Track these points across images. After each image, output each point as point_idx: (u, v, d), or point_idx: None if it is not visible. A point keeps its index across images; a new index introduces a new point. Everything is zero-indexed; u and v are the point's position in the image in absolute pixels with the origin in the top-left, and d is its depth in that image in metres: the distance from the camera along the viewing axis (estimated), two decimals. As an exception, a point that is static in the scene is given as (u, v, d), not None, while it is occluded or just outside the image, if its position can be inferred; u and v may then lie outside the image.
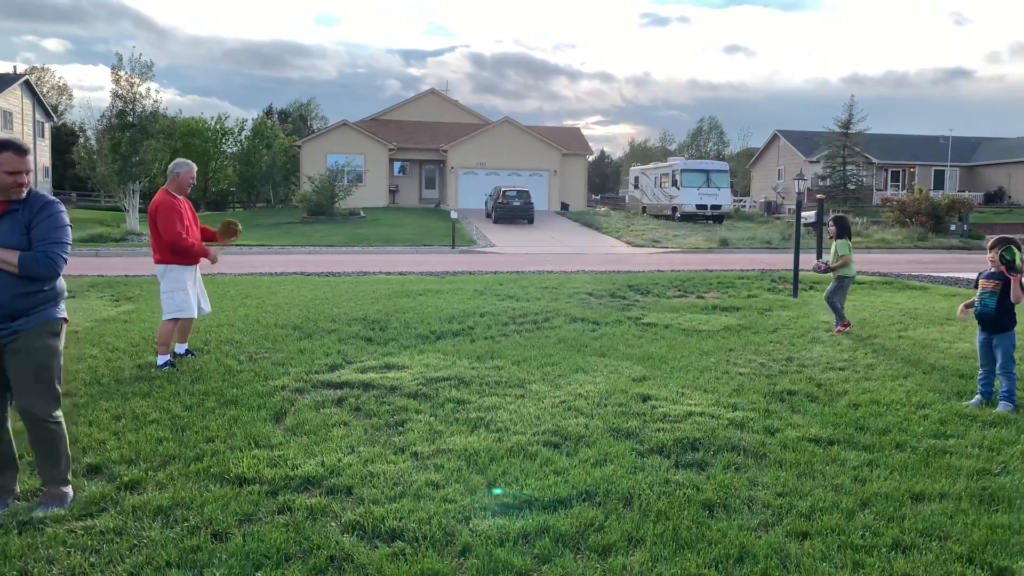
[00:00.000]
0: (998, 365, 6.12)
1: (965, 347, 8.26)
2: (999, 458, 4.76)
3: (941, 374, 6.99)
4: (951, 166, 54.34)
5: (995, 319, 6.16)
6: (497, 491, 4.16)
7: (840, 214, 9.87)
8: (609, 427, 5.28)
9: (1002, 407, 5.85)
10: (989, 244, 6.30)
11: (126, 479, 4.26)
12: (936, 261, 22.31)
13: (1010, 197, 52.23)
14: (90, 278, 14.05)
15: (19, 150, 3.85)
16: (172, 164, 7.22)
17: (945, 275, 16.52)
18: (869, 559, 3.44)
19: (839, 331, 9.13)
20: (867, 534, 3.69)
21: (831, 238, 9.54)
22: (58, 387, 4.03)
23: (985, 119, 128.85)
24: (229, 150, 55.28)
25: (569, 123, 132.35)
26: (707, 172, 39.68)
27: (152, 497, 4.03)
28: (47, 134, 52.41)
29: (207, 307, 7.48)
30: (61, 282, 4.09)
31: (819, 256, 11.84)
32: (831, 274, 9.46)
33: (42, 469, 4.05)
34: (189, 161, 7.33)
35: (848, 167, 49.12)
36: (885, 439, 5.10)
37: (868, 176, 51.37)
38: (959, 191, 48.08)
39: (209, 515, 3.81)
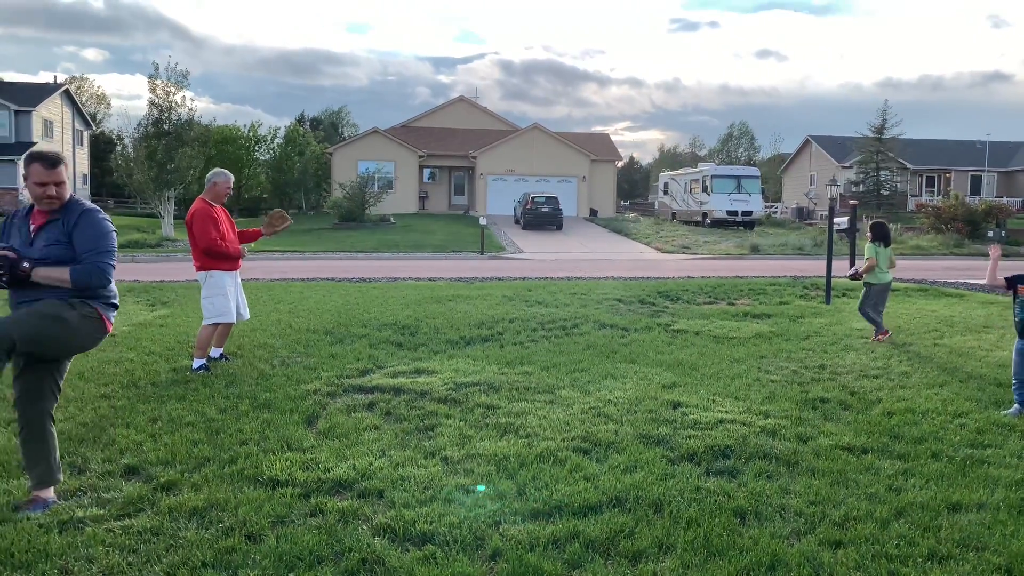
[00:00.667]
0: None
1: (1003, 355, 8.10)
2: (1039, 468, 4.66)
3: (978, 383, 6.87)
4: (988, 171, 53.29)
5: None
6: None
7: (879, 220, 9.71)
8: (639, 434, 5.26)
9: None
10: None
11: (162, 480, 4.34)
12: (973, 268, 21.89)
13: (1050, 203, 51.08)
14: (127, 283, 14.31)
15: (47, 161, 3.87)
16: (210, 174, 7.34)
17: (982, 282, 16.19)
18: (904, 569, 3.39)
19: (879, 340, 8.95)
20: (902, 544, 3.63)
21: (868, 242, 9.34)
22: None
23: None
24: (262, 157, 56.02)
25: (598, 129, 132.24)
26: (738, 178, 39.39)
27: (188, 498, 4.10)
28: (86, 142, 53.58)
29: (246, 314, 7.60)
30: (113, 287, 4.16)
31: (851, 263, 11.68)
32: (870, 278, 9.26)
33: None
34: (226, 171, 7.45)
35: (882, 172, 48.40)
36: (920, 448, 5.02)
37: (902, 182, 50.57)
38: (996, 197, 47.18)
39: (243, 516, 3.87)
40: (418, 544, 3.64)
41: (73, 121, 50.59)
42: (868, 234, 9.39)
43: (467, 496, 4.17)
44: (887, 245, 9.31)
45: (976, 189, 51.42)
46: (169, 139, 29.64)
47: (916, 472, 4.59)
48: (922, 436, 5.27)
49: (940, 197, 43.01)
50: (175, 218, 31.40)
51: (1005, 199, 45.51)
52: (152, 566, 3.40)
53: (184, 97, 30.50)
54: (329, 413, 5.75)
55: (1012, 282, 6.12)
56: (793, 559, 3.46)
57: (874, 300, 9.23)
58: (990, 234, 30.91)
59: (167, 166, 29.08)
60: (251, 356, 7.71)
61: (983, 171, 53.08)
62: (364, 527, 3.80)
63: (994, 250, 6.42)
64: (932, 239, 30.92)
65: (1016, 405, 5.99)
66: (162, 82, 29.85)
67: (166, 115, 30.00)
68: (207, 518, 3.88)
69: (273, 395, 6.18)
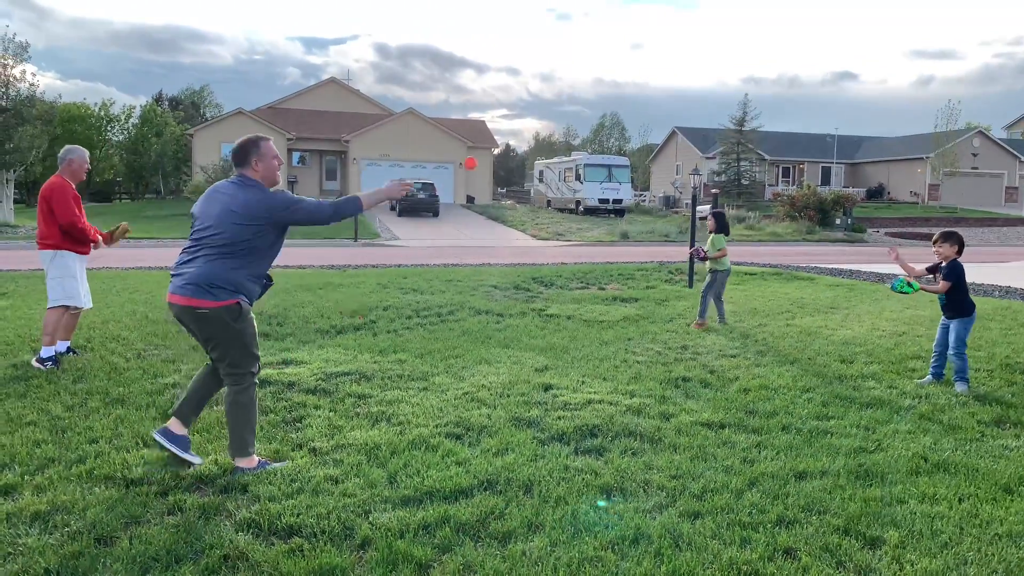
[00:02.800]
0: (951, 347, 6.41)
1: (847, 334, 8.75)
2: (874, 436, 5.07)
3: (825, 359, 7.38)
4: (837, 163, 57.37)
5: (950, 305, 6.48)
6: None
7: (719, 209, 10.14)
8: (511, 417, 5.33)
9: (959, 387, 6.23)
10: (933, 239, 6.63)
11: (-1, 484, 4.01)
12: (822, 253, 23.53)
13: (889, 193, 55.61)
14: (-40, 273, 13.08)
15: None
16: (63, 151, 6.83)
17: (831, 266, 17.44)
18: (755, 535, 3.60)
19: (697, 326, 9.08)
20: (754, 511, 3.86)
21: (709, 232, 9.60)
22: None
23: (870, 119, 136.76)
24: (115, 138, 52.53)
25: (475, 116, 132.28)
26: (609, 167, 40.54)
27: (29, 502, 3.80)
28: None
29: (89, 303, 7.11)
30: None
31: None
32: (706, 266, 9.64)
33: None
34: (81, 148, 6.96)
35: (742, 163, 51.15)
36: (772, 422, 5.35)
37: (761, 172, 53.62)
38: (844, 187, 50.91)
39: (93, 519, 3.62)
40: (284, 537, 3.53)
41: None
42: (712, 223, 9.56)
43: (372, 489, 4.08)
44: (728, 234, 9.71)
45: (826, 179, 55.24)
46: (7, 116, 27.24)
47: (768, 444, 4.88)
48: (774, 410, 5.62)
49: (794, 187, 45.90)
50: (15, 202, 28.97)
51: (851, 189, 49.16)
52: (-14, 577, 3.13)
53: (24, 71, 28.11)
54: (190, 407, 5.47)
55: (932, 270, 6.64)
56: (655, 531, 3.61)
57: (719, 287, 9.61)
58: (838, 221, 33.26)
59: (5, 145, 26.73)
60: (103, 349, 7.23)
61: (832, 163, 57.07)
62: (226, 523, 3.64)
63: (892, 253, 6.81)
64: (787, 226, 32.95)
65: (929, 375, 6.54)
66: (-2, 54, 27.38)
67: (3, 90, 27.54)
68: (51, 522, 3.61)
69: (127, 390, 5.82)
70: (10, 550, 3.35)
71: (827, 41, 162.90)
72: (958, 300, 6.47)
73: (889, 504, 3.97)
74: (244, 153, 4.33)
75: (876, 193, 55.46)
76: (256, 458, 4.36)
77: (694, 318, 9.64)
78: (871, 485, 4.23)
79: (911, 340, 8.25)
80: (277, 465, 4.34)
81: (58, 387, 5.86)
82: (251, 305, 4.29)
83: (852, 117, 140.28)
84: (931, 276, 6.70)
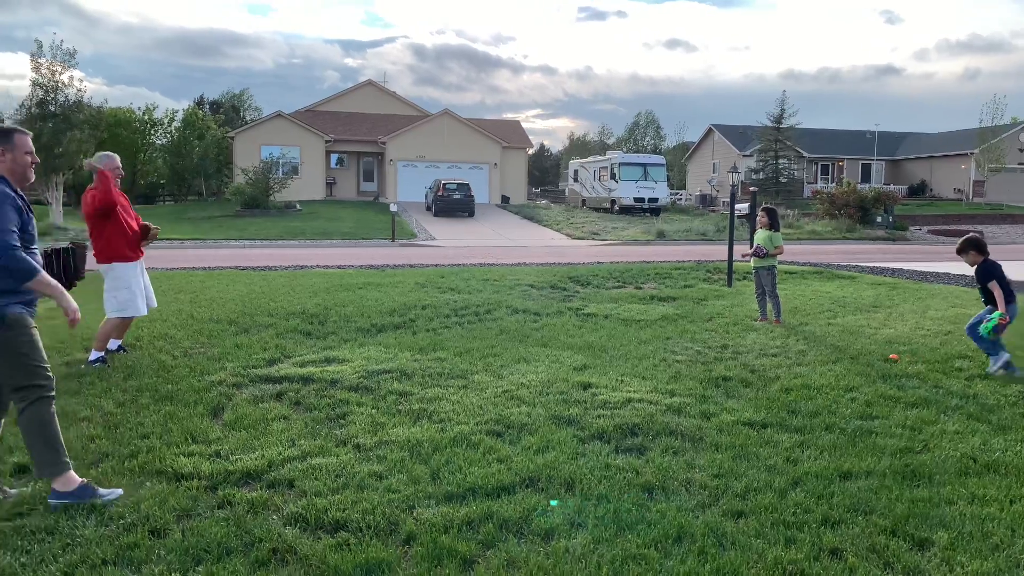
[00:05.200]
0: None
1: (890, 333, 8.61)
2: (920, 437, 4.99)
3: (868, 359, 7.27)
4: (877, 160, 56.32)
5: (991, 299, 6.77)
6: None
7: (771, 206, 10.08)
8: (551, 415, 5.35)
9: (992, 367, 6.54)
10: (957, 250, 6.97)
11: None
12: (863, 251, 23.14)
13: (931, 190, 54.43)
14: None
15: None
16: (95, 157, 6.96)
17: (872, 265, 17.15)
18: (800, 534, 3.58)
19: (778, 322, 9.27)
20: (798, 511, 3.83)
21: (763, 228, 9.65)
22: None
23: (912, 115, 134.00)
24: (158, 142, 53.54)
25: (509, 116, 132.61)
26: (644, 166, 40.28)
27: (85, 495, 3.91)
28: (-38, 124, 49.99)
29: (153, 302, 7.30)
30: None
31: (751, 245, 12.11)
32: (764, 263, 9.55)
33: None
34: (110, 153, 7.03)
35: (780, 160, 50.44)
36: (815, 421, 5.29)
37: (799, 169, 52.83)
38: (885, 184, 49.94)
39: (146, 512, 3.73)
40: (331, 531, 3.60)
41: (-52, 101, 47.07)
42: (766, 219, 9.63)
43: (415, 485, 4.13)
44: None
45: (867, 177, 54.23)
46: (56, 121, 27.90)
47: (811, 444, 4.83)
48: (817, 410, 5.56)
49: (834, 184, 45.17)
50: (64, 205, 29.70)
51: (892, 186, 48.22)
52: (47, 566, 3.24)
53: (72, 77, 28.76)
54: (235, 404, 5.60)
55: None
56: (699, 530, 3.60)
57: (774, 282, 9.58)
58: (879, 219, 32.65)
59: (55, 150, 27.38)
60: (151, 347, 7.41)
61: (873, 160, 56.04)
62: (274, 517, 3.72)
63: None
64: (826, 224, 32.42)
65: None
66: (47, 61, 28.06)
67: (51, 96, 28.23)
68: (106, 515, 3.72)
69: (176, 387, 5.96)
70: (68, 541, 3.46)
71: (870, 35, 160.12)
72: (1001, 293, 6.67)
73: (938, 505, 3.91)
74: None
75: (918, 190, 54.33)
76: (76, 479, 3.91)
77: (733, 317, 9.55)
78: (918, 486, 4.17)
79: (956, 339, 8.09)
80: (106, 494, 3.88)
81: (110, 384, 6.02)
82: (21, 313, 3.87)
83: (894, 113, 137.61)
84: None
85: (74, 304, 3.92)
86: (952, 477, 4.30)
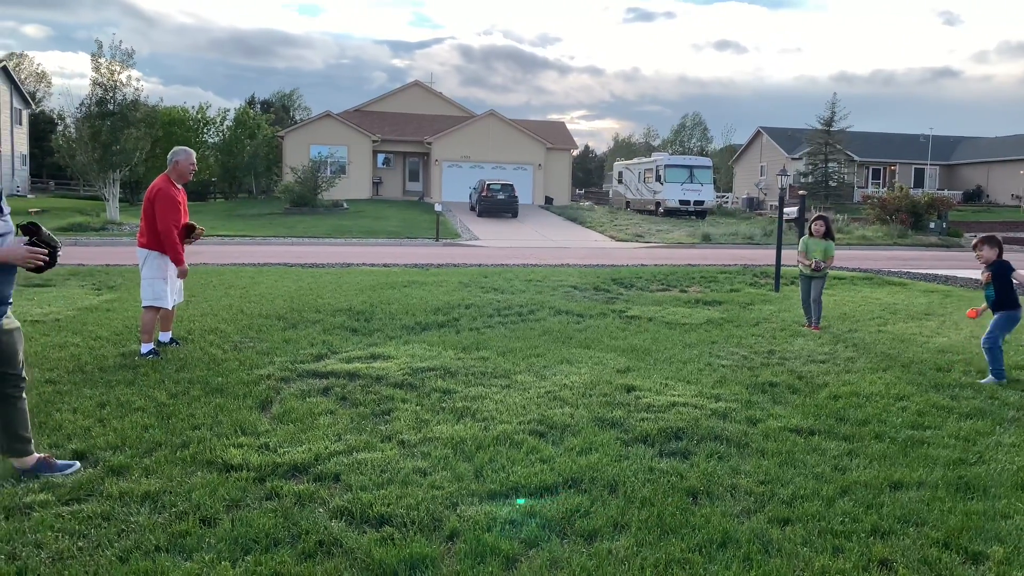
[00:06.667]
0: (984, 337, 6.81)
1: (943, 341, 8.40)
2: (975, 448, 4.86)
3: (919, 367, 7.11)
4: (931, 164, 54.93)
5: (998, 300, 6.90)
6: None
7: (825, 214, 9.92)
8: (594, 417, 5.33)
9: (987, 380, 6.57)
10: (973, 244, 7.14)
11: (112, 465, 4.26)
12: (915, 258, 22.58)
13: (988, 196, 52.92)
14: (70, 267, 13.91)
15: None
16: (172, 152, 7.16)
17: (924, 272, 16.73)
18: (848, 544, 3.52)
19: (817, 329, 9.15)
20: (847, 520, 3.76)
21: (818, 236, 9.35)
22: None
23: (969, 119, 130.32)
24: (211, 140, 54.68)
25: (554, 117, 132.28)
26: (690, 168, 39.87)
27: (139, 483, 4.03)
28: (25, 121, 51.62)
29: (180, 297, 7.48)
30: None
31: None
32: (799, 269, 9.48)
33: None
34: (188, 148, 7.27)
35: (830, 164, 49.51)
36: (864, 430, 5.19)
37: (849, 173, 51.80)
38: (938, 189, 48.64)
39: (197, 501, 3.82)
40: (375, 526, 3.64)
41: (11, 99, 48.67)
42: (822, 228, 9.34)
43: (459, 482, 4.17)
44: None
45: (919, 182, 52.91)
46: (114, 120, 28.73)
47: (860, 452, 4.74)
48: (866, 418, 5.45)
49: (885, 189, 44.15)
50: (120, 200, 30.52)
51: (947, 192, 46.95)
52: (103, 551, 3.34)
53: (130, 77, 29.59)
54: (283, 398, 5.70)
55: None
56: (743, 536, 3.56)
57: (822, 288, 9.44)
58: (932, 225, 31.83)
59: (112, 147, 28.18)
60: (202, 341, 7.58)
61: (926, 164, 54.68)
62: (321, 510, 3.78)
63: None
64: (877, 230, 31.73)
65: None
66: (106, 61, 28.91)
67: (110, 95, 29.07)
68: (159, 502, 3.82)
69: (226, 380, 6.09)
70: (123, 527, 3.56)
71: (926, 36, 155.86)
72: (1004, 295, 6.81)
73: (992, 519, 3.81)
74: None
75: (974, 196, 52.84)
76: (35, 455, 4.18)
77: (780, 322, 9.41)
78: (972, 498, 4.07)
79: (1013, 349, 7.85)
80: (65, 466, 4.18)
81: (163, 376, 6.18)
82: None
83: (950, 117, 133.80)
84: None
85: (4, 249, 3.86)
86: (1008, 490, 4.18)
